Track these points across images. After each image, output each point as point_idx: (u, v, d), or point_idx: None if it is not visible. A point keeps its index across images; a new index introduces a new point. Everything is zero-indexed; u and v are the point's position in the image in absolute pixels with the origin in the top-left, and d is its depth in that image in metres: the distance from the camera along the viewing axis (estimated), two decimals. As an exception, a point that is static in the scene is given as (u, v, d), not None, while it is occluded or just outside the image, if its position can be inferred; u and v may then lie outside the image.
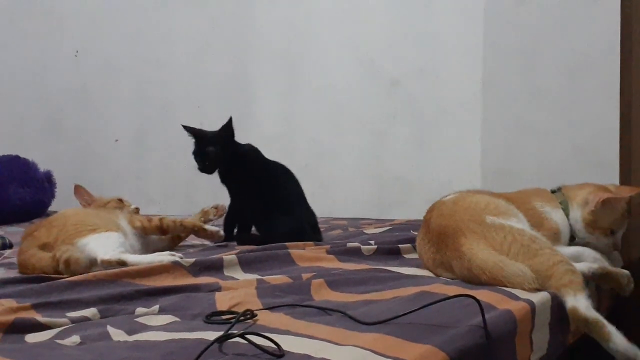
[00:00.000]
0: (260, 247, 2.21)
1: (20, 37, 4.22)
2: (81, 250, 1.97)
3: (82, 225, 2.06)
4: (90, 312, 1.49)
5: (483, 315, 1.34)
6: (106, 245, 1.99)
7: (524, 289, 1.59)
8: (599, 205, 1.87)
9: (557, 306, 1.64)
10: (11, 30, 4.23)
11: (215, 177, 2.64)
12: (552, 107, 3.03)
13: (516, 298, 1.56)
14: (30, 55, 4.20)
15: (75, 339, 1.30)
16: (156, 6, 3.92)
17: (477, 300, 1.37)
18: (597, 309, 1.90)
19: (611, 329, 1.54)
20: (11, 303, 1.53)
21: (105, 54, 4.03)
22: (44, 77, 4.17)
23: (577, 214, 1.92)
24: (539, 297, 1.59)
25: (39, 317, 1.43)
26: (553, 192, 2.00)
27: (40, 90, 4.19)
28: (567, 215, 1.93)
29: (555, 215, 1.91)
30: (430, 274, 1.83)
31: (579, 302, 1.57)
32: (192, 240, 2.59)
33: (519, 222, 1.78)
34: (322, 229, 2.79)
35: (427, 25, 3.34)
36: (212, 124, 3.79)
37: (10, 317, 1.41)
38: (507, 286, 1.61)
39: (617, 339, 1.52)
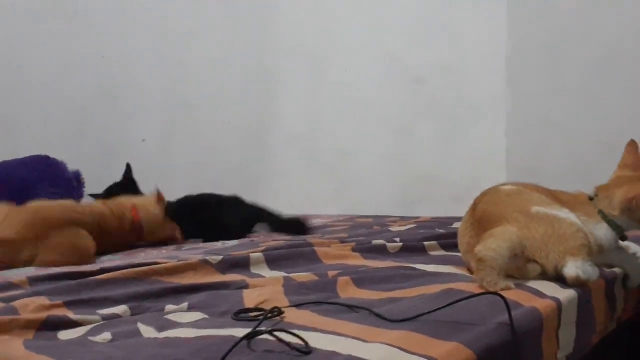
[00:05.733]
0: (285, 244, 2.23)
1: (46, 38, 4.26)
2: None
3: None
4: (121, 309, 1.52)
5: (509, 313, 1.34)
6: None
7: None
8: None
9: (584, 304, 1.64)
10: (38, 32, 4.28)
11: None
12: (579, 103, 3.01)
13: (542, 295, 1.56)
14: (57, 57, 4.24)
15: (106, 335, 1.33)
16: (181, 6, 3.94)
17: (503, 298, 1.38)
18: (623, 309, 1.90)
19: None
20: (43, 301, 1.56)
21: (130, 55, 4.06)
22: (71, 78, 4.21)
23: (629, 221, 1.87)
24: (566, 295, 1.59)
25: (71, 315, 1.46)
26: (591, 198, 1.94)
27: (67, 90, 4.23)
28: (608, 222, 1.88)
29: (599, 231, 1.84)
30: (456, 271, 1.83)
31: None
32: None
33: (566, 214, 1.77)
34: (346, 227, 2.81)
35: (450, 22, 3.33)
36: (237, 123, 3.83)
37: (43, 315, 1.43)
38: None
39: None
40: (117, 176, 3.14)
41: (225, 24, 3.84)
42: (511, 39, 3.14)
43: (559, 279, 1.66)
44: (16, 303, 1.52)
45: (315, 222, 3.04)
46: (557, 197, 1.89)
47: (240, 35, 3.80)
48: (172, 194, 3.69)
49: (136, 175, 3.43)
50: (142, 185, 3.12)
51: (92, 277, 1.78)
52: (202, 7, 3.90)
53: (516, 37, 3.11)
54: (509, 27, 3.15)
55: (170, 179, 3.86)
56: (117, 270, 1.82)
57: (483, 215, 1.80)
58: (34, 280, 1.81)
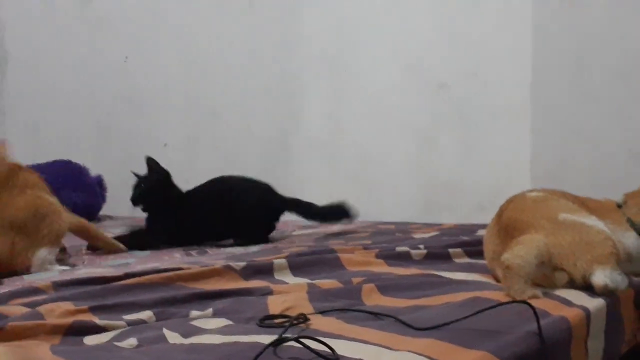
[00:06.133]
0: (309, 250, 2.22)
1: (70, 43, 4.29)
2: None
3: None
4: (146, 314, 1.51)
5: (538, 322, 1.33)
6: None
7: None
8: None
9: (613, 314, 1.62)
10: (61, 37, 4.31)
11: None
12: (605, 111, 2.98)
13: (570, 304, 1.55)
14: (81, 61, 4.28)
15: (132, 341, 1.33)
16: (205, 12, 3.96)
17: (532, 307, 1.37)
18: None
19: None
20: (68, 306, 1.56)
21: (154, 59, 4.08)
22: (94, 82, 4.24)
23: None
24: (594, 304, 1.57)
25: (97, 320, 1.46)
26: (619, 206, 1.92)
27: (90, 95, 4.26)
28: (637, 230, 1.86)
29: (627, 239, 1.84)
30: (482, 279, 1.82)
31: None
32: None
33: (594, 221, 1.75)
34: (368, 234, 2.80)
35: (474, 28, 3.32)
36: (260, 129, 3.84)
37: (69, 320, 1.44)
38: None
39: None
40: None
41: (249, 31, 3.85)
42: (536, 45, 3.11)
43: (587, 287, 1.65)
44: (42, 308, 1.53)
45: (337, 228, 3.03)
46: (584, 204, 1.87)
47: (264, 42, 3.81)
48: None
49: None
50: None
51: (116, 283, 1.78)
52: (226, 14, 3.91)
53: (541, 43, 3.09)
54: (533, 34, 3.13)
55: (192, 185, 3.87)
56: (141, 275, 1.83)
57: (509, 223, 1.78)
58: (58, 285, 1.82)
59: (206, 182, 2.93)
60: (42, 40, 4.34)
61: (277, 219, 2.84)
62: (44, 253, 2.24)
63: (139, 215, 2.92)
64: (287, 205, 2.85)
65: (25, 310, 1.54)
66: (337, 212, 2.88)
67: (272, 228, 2.84)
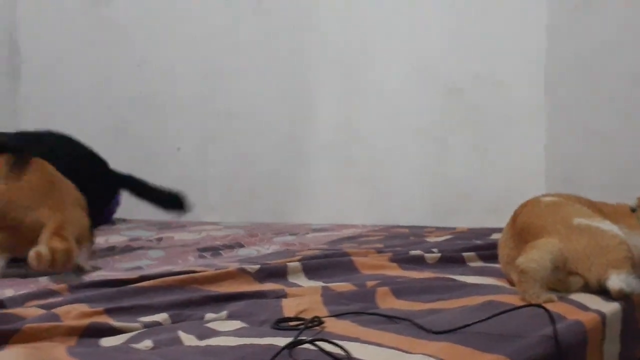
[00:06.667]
0: (322, 253, 2.22)
1: (84, 47, 4.31)
2: None
3: None
4: (162, 317, 1.52)
5: (554, 326, 1.33)
6: None
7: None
8: None
9: (628, 318, 1.61)
10: (76, 41, 4.33)
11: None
12: (620, 115, 2.97)
13: (586, 309, 1.54)
14: (95, 65, 4.29)
15: (148, 343, 1.33)
16: (219, 16, 3.97)
17: (547, 310, 1.37)
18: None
19: None
20: (84, 308, 1.57)
21: (168, 64, 4.10)
22: (109, 85, 4.26)
23: None
24: (610, 308, 1.57)
25: (113, 322, 1.47)
26: (633, 210, 1.91)
27: (104, 99, 4.28)
28: None
29: None
30: (496, 283, 1.82)
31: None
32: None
33: (609, 225, 1.74)
34: (381, 237, 2.79)
35: (487, 31, 3.31)
36: (272, 132, 3.85)
37: (85, 322, 1.44)
38: None
39: None
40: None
41: (261, 34, 3.86)
42: (550, 48, 3.11)
43: (603, 291, 1.64)
44: (58, 310, 1.54)
45: (350, 232, 3.03)
46: (598, 209, 1.87)
47: (276, 46, 3.82)
48: (207, 204, 3.72)
49: (171, 183, 3.44)
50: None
51: (131, 285, 1.79)
52: (239, 18, 3.92)
53: (555, 47, 3.08)
54: (548, 37, 3.12)
55: (205, 188, 3.88)
56: (156, 278, 1.83)
57: (524, 227, 1.78)
58: (73, 287, 1.83)
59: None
60: (56, 42, 4.36)
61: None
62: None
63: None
64: None
65: (41, 312, 1.55)
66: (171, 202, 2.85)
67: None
